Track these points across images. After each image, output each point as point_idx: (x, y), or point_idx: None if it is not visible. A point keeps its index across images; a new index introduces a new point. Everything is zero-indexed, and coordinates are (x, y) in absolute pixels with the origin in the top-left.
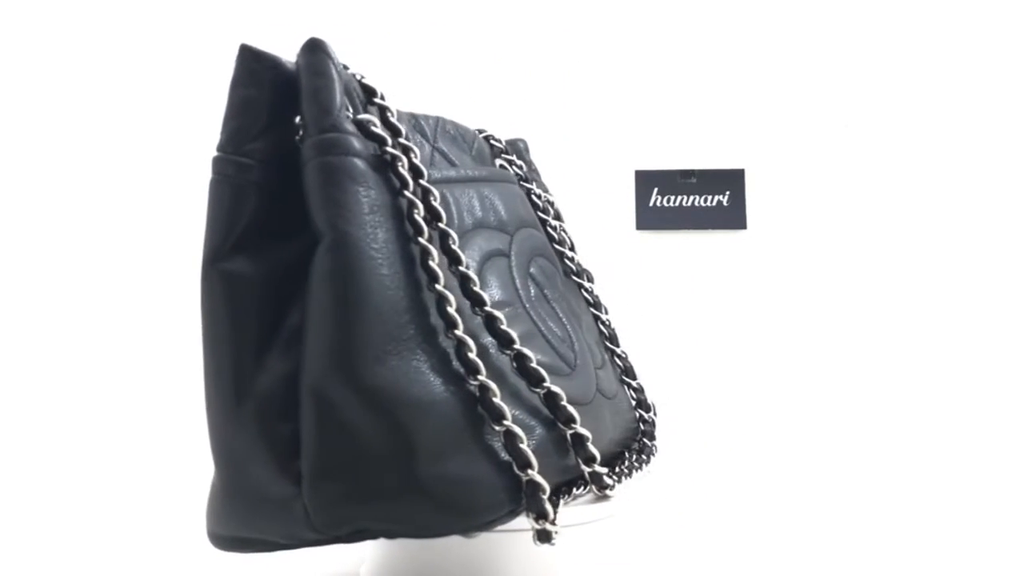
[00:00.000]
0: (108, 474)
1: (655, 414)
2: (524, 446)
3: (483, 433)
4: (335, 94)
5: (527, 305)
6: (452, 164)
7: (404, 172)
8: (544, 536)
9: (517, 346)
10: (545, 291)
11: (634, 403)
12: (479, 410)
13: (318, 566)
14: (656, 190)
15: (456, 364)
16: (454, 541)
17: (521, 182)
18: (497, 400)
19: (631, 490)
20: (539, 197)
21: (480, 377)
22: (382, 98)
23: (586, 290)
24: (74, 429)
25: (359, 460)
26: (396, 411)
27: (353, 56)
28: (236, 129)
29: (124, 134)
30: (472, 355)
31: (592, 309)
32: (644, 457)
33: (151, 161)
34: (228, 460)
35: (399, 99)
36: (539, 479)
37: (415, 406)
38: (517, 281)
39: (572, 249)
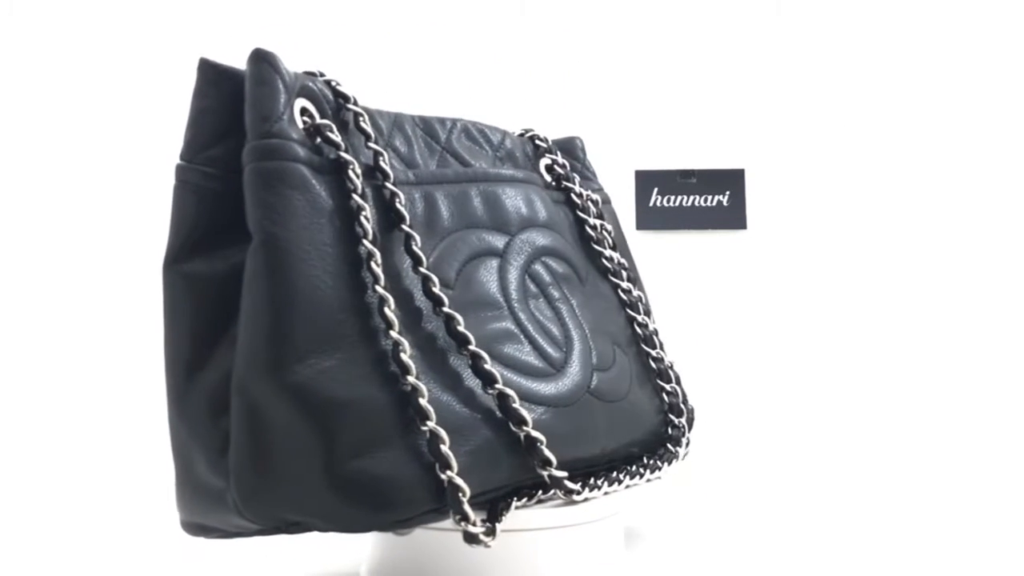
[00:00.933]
0: (80, 471)
1: (688, 420)
2: (445, 448)
3: (411, 433)
4: (275, 102)
5: (515, 305)
6: (465, 164)
7: (354, 176)
8: (470, 538)
9: (472, 347)
10: (549, 291)
11: (666, 407)
12: (410, 411)
13: (318, 566)
14: (656, 190)
15: (393, 365)
16: (454, 541)
17: (562, 181)
18: (423, 401)
19: (633, 494)
20: (580, 196)
21: (410, 378)
22: (355, 103)
23: (623, 290)
24: (50, 426)
25: (278, 456)
26: (313, 409)
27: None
28: (193, 138)
29: (102, 142)
30: (404, 356)
31: (628, 310)
32: (658, 463)
33: (127, 167)
34: (177, 451)
35: (401, 100)
36: (458, 481)
37: (334, 404)
38: (509, 281)
39: (613, 248)
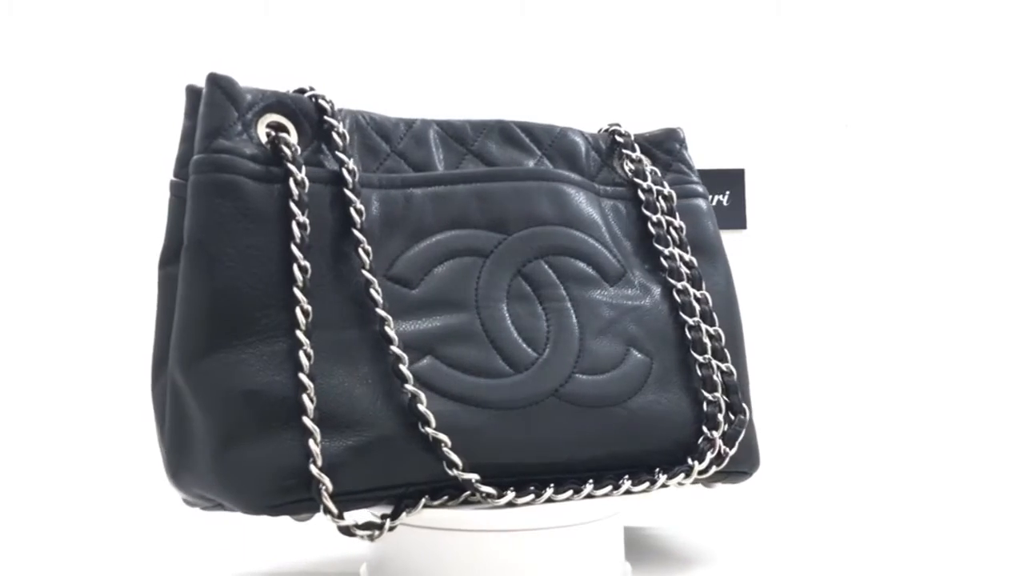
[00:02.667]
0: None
1: (728, 435)
2: (313, 442)
3: (293, 427)
4: (221, 120)
5: (488, 305)
6: (491, 165)
7: (293, 185)
8: (343, 531)
9: (394, 347)
10: (546, 291)
11: (702, 417)
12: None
13: (318, 566)
14: None
15: (294, 361)
16: (454, 541)
17: (636, 179)
18: (305, 396)
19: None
20: (649, 192)
21: (300, 374)
22: (333, 115)
23: (677, 291)
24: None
25: (187, 438)
26: (209, 398)
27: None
28: (181, 155)
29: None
30: (300, 352)
31: (680, 312)
32: (667, 476)
33: (133, 178)
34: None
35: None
36: (319, 475)
37: (232, 395)
38: (487, 281)
39: (681, 246)
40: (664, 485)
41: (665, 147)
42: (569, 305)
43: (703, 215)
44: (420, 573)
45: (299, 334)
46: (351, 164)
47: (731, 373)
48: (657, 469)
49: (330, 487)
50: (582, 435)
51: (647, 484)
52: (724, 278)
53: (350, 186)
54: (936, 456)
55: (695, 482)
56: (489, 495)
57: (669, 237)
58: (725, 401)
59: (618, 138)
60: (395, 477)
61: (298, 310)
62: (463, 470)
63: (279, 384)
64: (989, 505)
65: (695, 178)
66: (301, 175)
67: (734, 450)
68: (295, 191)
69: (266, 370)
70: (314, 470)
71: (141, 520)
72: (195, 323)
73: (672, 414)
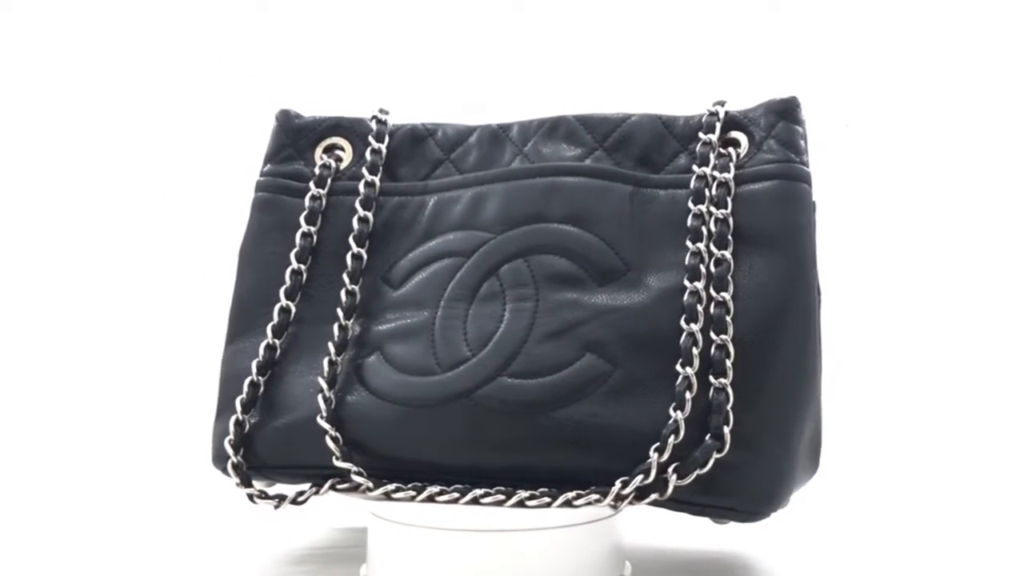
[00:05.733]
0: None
1: (681, 458)
2: (234, 418)
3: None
4: (273, 148)
5: (445, 304)
6: (534, 162)
7: (306, 200)
8: (248, 497)
9: (330, 343)
10: (511, 291)
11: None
12: None
13: (319, 565)
14: None
15: (265, 353)
16: (454, 541)
17: (695, 166)
18: (247, 381)
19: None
20: (702, 178)
21: (252, 363)
22: (375, 134)
23: (690, 292)
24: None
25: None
26: (222, 376)
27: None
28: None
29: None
30: (262, 345)
31: (684, 314)
32: (552, 493)
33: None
34: None
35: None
36: (227, 447)
37: (223, 378)
38: (457, 281)
39: (716, 240)
40: (570, 505)
41: (764, 122)
42: (531, 305)
43: (775, 201)
44: (420, 573)
45: (268, 329)
46: (370, 177)
47: (723, 390)
48: (568, 487)
49: (235, 459)
50: (493, 440)
51: (548, 500)
52: (773, 275)
53: (361, 197)
54: (936, 456)
55: (676, 506)
56: (368, 488)
57: (705, 230)
58: (681, 421)
59: (707, 119)
60: (302, 458)
61: (277, 308)
62: (355, 461)
63: (246, 371)
64: (989, 505)
65: (787, 156)
66: (315, 191)
67: (687, 480)
68: (306, 205)
69: (246, 360)
70: (225, 443)
71: (140, 519)
72: (230, 317)
73: (616, 429)
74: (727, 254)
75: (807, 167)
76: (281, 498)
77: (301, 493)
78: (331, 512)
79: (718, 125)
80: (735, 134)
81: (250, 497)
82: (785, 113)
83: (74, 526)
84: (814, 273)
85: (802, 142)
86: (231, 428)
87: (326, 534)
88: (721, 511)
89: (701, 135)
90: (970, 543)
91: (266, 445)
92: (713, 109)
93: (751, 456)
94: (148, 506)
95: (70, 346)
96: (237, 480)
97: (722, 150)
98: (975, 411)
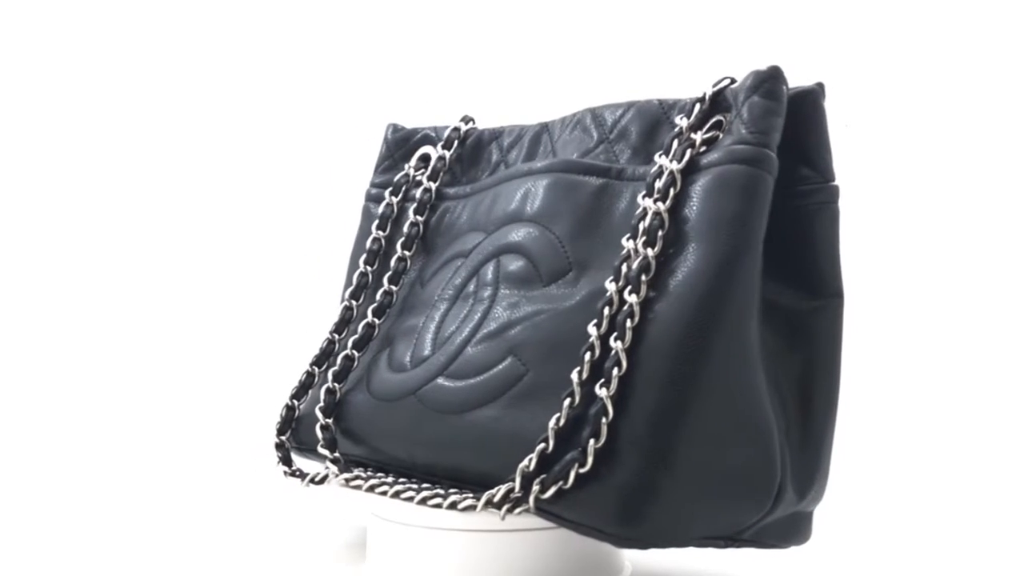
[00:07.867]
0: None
1: (548, 471)
2: (288, 401)
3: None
4: (379, 161)
5: (435, 304)
6: (551, 155)
7: (380, 207)
8: (285, 473)
9: (349, 341)
10: (482, 292)
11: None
12: None
13: (319, 565)
14: None
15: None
16: (454, 541)
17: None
18: (316, 369)
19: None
20: (659, 172)
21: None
22: (445, 146)
23: (604, 291)
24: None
25: None
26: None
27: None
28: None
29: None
30: (325, 337)
31: (594, 316)
32: (443, 496)
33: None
34: None
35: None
36: (276, 425)
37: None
38: (452, 282)
39: (644, 237)
40: (455, 508)
41: (741, 98)
42: (486, 306)
43: (715, 189)
44: (419, 573)
45: (331, 325)
46: (427, 183)
47: (600, 401)
48: (454, 491)
49: (276, 438)
50: (425, 439)
51: (439, 503)
52: (694, 276)
53: (416, 204)
54: (935, 455)
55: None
56: (333, 473)
57: (641, 227)
58: (552, 429)
59: (692, 101)
60: (309, 443)
61: (341, 307)
62: (331, 448)
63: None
64: (988, 505)
65: (743, 136)
66: (389, 199)
67: (547, 494)
68: (379, 212)
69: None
70: (280, 419)
71: (140, 519)
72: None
73: (511, 435)
74: (650, 253)
75: (766, 147)
76: (304, 476)
77: (324, 477)
78: (331, 512)
79: (697, 107)
80: (722, 116)
81: (286, 473)
82: (758, 86)
83: (74, 526)
84: (747, 273)
85: (773, 118)
86: (281, 412)
87: (326, 534)
88: (589, 530)
89: (675, 119)
90: (971, 546)
91: (302, 428)
92: (709, 91)
93: (607, 471)
94: (148, 506)
95: (99, 343)
96: (279, 456)
97: (697, 135)
98: (975, 411)
